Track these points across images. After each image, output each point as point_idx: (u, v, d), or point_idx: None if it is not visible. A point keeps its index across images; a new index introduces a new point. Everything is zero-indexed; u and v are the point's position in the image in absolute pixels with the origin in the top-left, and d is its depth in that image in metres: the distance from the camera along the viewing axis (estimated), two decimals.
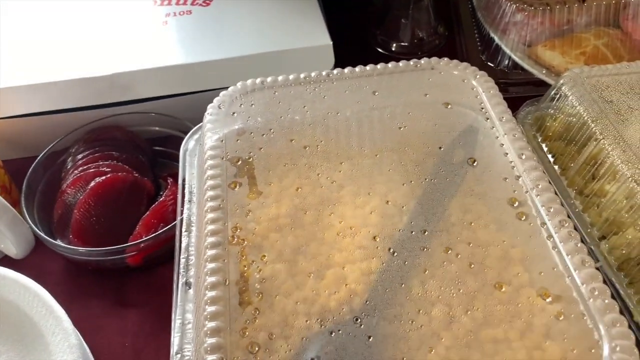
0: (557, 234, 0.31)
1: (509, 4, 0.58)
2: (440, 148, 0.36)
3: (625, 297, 0.36)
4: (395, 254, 0.31)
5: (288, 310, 0.30)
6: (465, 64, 0.41)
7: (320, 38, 0.51)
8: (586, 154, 0.41)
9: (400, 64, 0.41)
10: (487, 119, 0.37)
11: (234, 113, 0.39)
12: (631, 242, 0.37)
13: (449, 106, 0.39)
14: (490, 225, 0.32)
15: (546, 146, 0.45)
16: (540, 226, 0.31)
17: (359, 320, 0.29)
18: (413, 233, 0.32)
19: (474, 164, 0.35)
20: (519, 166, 0.34)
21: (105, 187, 0.45)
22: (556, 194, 0.33)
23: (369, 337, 0.28)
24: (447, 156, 0.36)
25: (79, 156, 0.48)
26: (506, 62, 0.59)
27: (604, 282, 0.35)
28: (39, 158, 0.47)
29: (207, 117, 0.39)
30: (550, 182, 0.34)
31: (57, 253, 0.44)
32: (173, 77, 0.50)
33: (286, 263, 0.31)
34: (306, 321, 0.29)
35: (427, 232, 0.32)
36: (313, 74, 0.41)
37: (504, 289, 0.30)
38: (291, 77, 0.41)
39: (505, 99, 0.40)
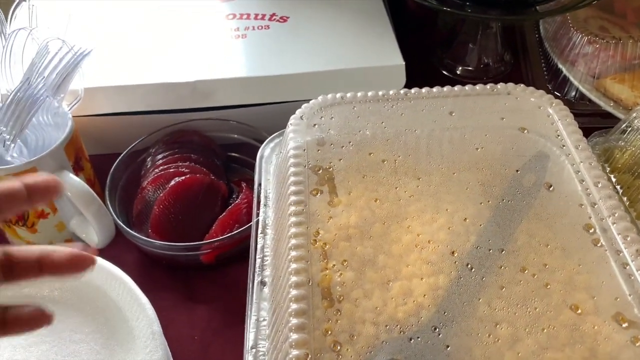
0: (634, 262, 0.31)
1: (580, 35, 0.59)
2: (517, 171, 0.37)
3: None
4: (473, 269, 0.32)
5: (366, 315, 0.31)
6: (541, 91, 0.42)
7: (393, 58, 0.53)
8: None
9: (477, 87, 0.42)
10: (563, 146, 0.38)
11: (315, 124, 0.41)
12: None
13: (525, 131, 0.40)
14: (567, 249, 0.33)
15: (614, 177, 0.45)
16: (616, 254, 0.32)
17: (437, 329, 0.30)
18: (490, 251, 0.33)
19: (551, 189, 0.36)
20: (595, 194, 0.35)
21: (184, 187, 0.47)
22: (632, 222, 0.34)
23: (447, 347, 0.29)
24: (523, 180, 0.37)
25: (159, 156, 0.51)
26: (573, 92, 0.59)
27: None
28: (122, 155, 0.50)
29: (290, 126, 0.41)
30: (627, 211, 0.34)
31: (134, 245, 0.47)
32: (251, 88, 0.53)
33: (357, 271, 0.33)
34: (386, 326, 0.30)
35: (504, 251, 0.33)
36: (391, 92, 0.42)
37: (579, 311, 0.30)
38: (370, 93, 0.42)
39: None
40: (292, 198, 0.36)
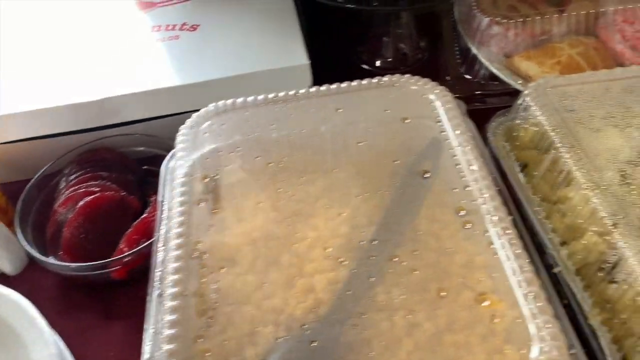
0: (500, 241, 0.32)
1: (484, 17, 0.60)
2: (394, 161, 0.38)
3: (582, 301, 0.37)
4: (359, 262, 0.33)
5: (245, 319, 0.32)
6: (425, 79, 0.43)
7: (297, 58, 0.54)
8: (547, 162, 0.43)
9: (364, 81, 0.43)
10: (442, 131, 0.39)
11: (205, 133, 0.42)
12: (587, 247, 0.38)
13: (407, 120, 0.40)
14: (441, 233, 0.34)
15: (514, 155, 0.46)
16: (483, 234, 0.33)
17: (336, 325, 0.31)
18: (374, 243, 0.34)
19: (426, 176, 0.37)
20: (468, 176, 0.36)
21: (93, 206, 0.47)
22: (512, 202, 0.35)
23: (336, 341, 0.30)
24: (402, 169, 0.38)
25: (71, 177, 0.51)
26: (483, 73, 0.60)
27: (563, 286, 0.37)
28: (33, 180, 0.50)
29: (179, 137, 0.41)
30: (499, 192, 0.35)
31: (49, 269, 0.47)
32: (159, 100, 0.53)
33: (244, 275, 0.33)
34: (258, 329, 0.31)
35: (376, 242, 0.34)
36: (281, 94, 0.43)
37: (444, 294, 0.31)
38: (260, 97, 0.43)
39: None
40: (176, 209, 0.36)
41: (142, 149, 0.54)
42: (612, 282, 0.36)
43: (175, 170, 0.43)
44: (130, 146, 0.54)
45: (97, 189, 0.49)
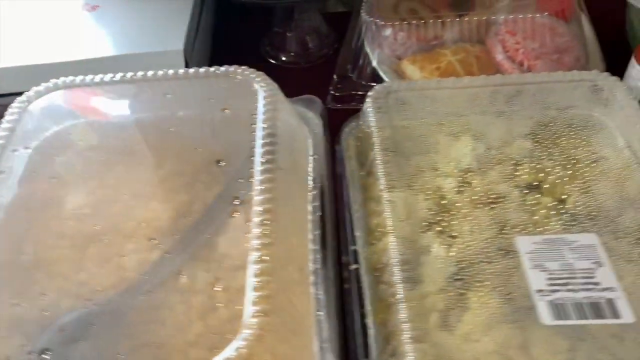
0: (253, 229, 0.33)
1: (377, 19, 0.60)
2: (196, 149, 0.39)
3: (366, 299, 0.37)
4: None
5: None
6: (259, 73, 0.43)
7: (173, 43, 0.55)
8: (367, 164, 0.43)
9: (201, 70, 0.44)
10: (253, 123, 0.39)
11: (37, 109, 0.43)
12: (382, 249, 0.39)
13: (226, 111, 0.41)
14: (215, 220, 0.35)
15: (355, 156, 0.47)
16: (245, 223, 0.34)
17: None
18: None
19: (220, 164, 0.38)
20: (257, 166, 0.36)
21: None
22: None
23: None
24: (202, 158, 0.39)
25: None
26: (369, 74, 0.60)
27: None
28: None
29: (9, 110, 0.43)
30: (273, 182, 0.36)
31: None
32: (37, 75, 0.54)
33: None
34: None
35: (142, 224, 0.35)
36: (117, 76, 0.44)
37: (183, 278, 0.32)
38: (97, 78, 0.44)
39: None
40: None
41: None
42: (382, 283, 0.36)
43: None
44: None
45: None
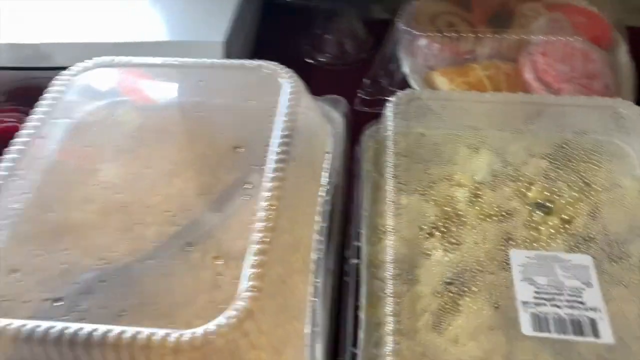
0: (260, 214, 0.35)
1: (412, 29, 0.62)
2: (218, 135, 0.42)
3: (361, 293, 0.39)
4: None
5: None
6: (287, 69, 0.45)
7: (215, 35, 0.58)
8: (380, 166, 0.45)
9: (235, 62, 0.47)
10: (272, 116, 0.42)
11: (81, 84, 0.47)
12: (382, 249, 0.40)
13: (252, 101, 0.44)
14: (223, 200, 0.38)
15: (372, 157, 0.48)
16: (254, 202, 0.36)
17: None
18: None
19: (237, 150, 0.40)
20: (272, 155, 0.39)
21: (1, 133, 0.53)
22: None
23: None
24: (223, 143, 0.41)
25: None
26: (399, 81, 0.62)
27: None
28: None
29: (55, 82, 0.46)
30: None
31: None
32: (86, 52, 0.58)
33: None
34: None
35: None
36: (159, 60, 0.47)
37: (192, 249, 0.35)
38: (137, 60, 0.47)
39: None
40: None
41: None
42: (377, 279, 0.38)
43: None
44: None
45: (12, 120, 0.55)
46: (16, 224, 0.37)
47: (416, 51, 0.62)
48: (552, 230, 0.40)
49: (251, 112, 0.43)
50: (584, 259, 0.36)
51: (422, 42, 0.62)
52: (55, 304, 0.32)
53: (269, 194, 0.36)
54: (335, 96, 0.51)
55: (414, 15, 0.64)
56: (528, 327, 0.32)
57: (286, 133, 0.39)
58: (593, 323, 0.32)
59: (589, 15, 0.63)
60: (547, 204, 0.43)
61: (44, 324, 0.29)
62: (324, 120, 0.46)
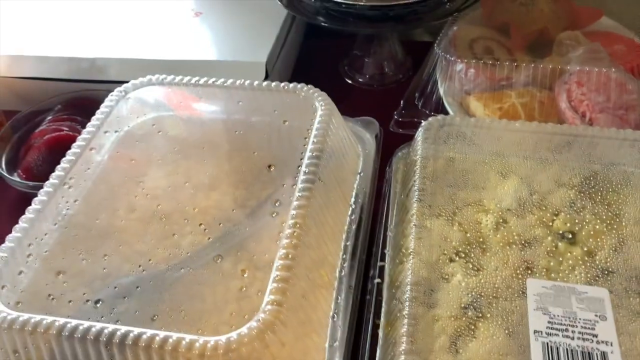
0: (287, 230, 0.37)
1: (450, 54, 0.63)
2: (254, 153, 0.44)
3: (382, 312, 0.41)
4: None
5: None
6: (321, 92, 0.47)
7: (257, 55, 0.61)
8: (408, 188, 0.47)
9: (272, 84, 0.49)
10: (306, 138, 0.44)
11: (130, 98, 0.50)
12: (403, 270, 0.42)
13: (286, 122, 0.46)
14: (254, 215, 0.40)
15: (401, 179, 0.50)
16: (281, 223, 0.38)
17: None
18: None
19: (270, 169, 0.43)
20: (301, 175, 0.41)
21: (55, 141, 0.58)
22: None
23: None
24: (257, 161, 0.44)
25: (54, 115, 0.62)
26: (434, 104, 0.63)
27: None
28: (22, 112, 0.62)
29: (109, 97, 0.50)
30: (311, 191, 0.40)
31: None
32: (140, 68, 0.62)
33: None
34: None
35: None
36: (202, 80, 0.50)
37: (220, 261, 0.37)
38: (184, 79, 0.50)
39: None
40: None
41: None
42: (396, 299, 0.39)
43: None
44: None
45: (67, 129, 0.59)
46: (65, 228, 0.40)
47: (453, 75, 0.63)
48: (573, 262, 0.41)
49: (286, 132, 0.45)
50: (600, 292, 0.36)
51: (459, 66, 0.63)
52: (95, 306, 0.35)
53: (296, 212, 0.38)
54: (368, 117, 0.52)
55: (452, 40, 0.65)
56: (539, 355, 0.33)
57: (315, 154, 0.41)
58: (604, 356, 0.33)
59: (629, 45, 0.63)
60: (571, 234, 0.43)
61: (85, 324, 0.32)
62: (355, 142, 0.47)
